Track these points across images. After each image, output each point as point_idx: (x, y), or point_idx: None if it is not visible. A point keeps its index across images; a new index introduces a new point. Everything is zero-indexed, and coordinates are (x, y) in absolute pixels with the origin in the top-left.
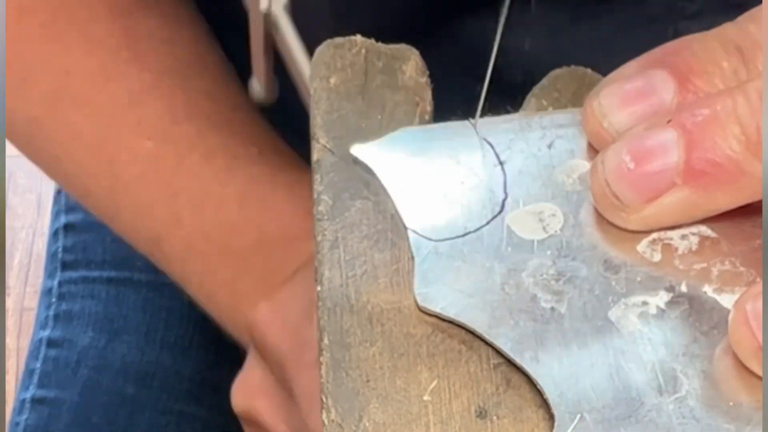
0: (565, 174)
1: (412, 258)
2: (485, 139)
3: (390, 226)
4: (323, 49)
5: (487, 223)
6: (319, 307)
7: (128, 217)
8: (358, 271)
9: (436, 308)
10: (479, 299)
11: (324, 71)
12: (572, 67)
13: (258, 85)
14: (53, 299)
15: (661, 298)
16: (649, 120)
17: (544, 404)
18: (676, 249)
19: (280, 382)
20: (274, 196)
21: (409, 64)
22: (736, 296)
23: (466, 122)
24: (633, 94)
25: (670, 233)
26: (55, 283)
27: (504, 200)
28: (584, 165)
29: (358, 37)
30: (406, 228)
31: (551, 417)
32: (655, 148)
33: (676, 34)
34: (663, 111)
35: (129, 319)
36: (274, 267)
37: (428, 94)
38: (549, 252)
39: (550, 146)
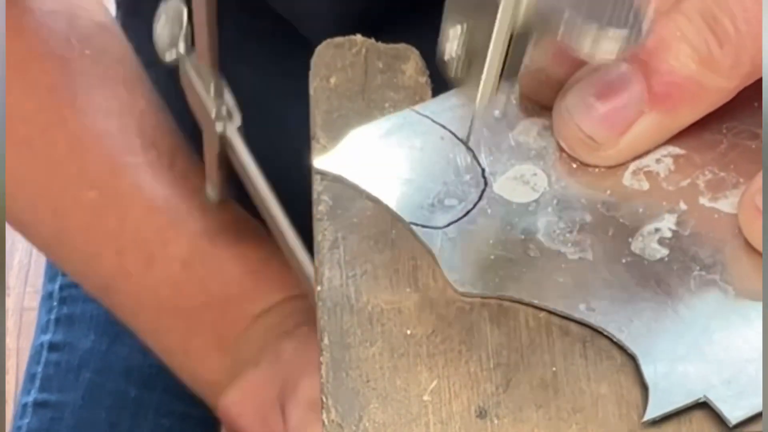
0: (523, 134)
1: (430, 252)
2: (435, 121)
3: (390, 227)
4: (323, 48)
5: (480, 198)
6: (319, 307)
7: (77, 263)
8: (358, 271)
9: (476, 290)
10: (512, 270)
11: (324, 71)
12: None
13: (212, 190)
14: (54, 303)
15: (669, 221)
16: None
17: (545, 404)
18: (658, 174)
19: None
20: (216, 254)
21: (409, 63)
22: (730, 200)
23: (408, 111)
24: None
25: (644, 161)
26: (56, 287)
27: (483, 173)
28: (535, 122)
29: (359, 37)
30: (409, 224)
31: (551, 417)
32: (616, 83)
33: None
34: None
35: None
36: (223, 326)
37: (428, 94)
38: (549, 209)
39: (495, 113)
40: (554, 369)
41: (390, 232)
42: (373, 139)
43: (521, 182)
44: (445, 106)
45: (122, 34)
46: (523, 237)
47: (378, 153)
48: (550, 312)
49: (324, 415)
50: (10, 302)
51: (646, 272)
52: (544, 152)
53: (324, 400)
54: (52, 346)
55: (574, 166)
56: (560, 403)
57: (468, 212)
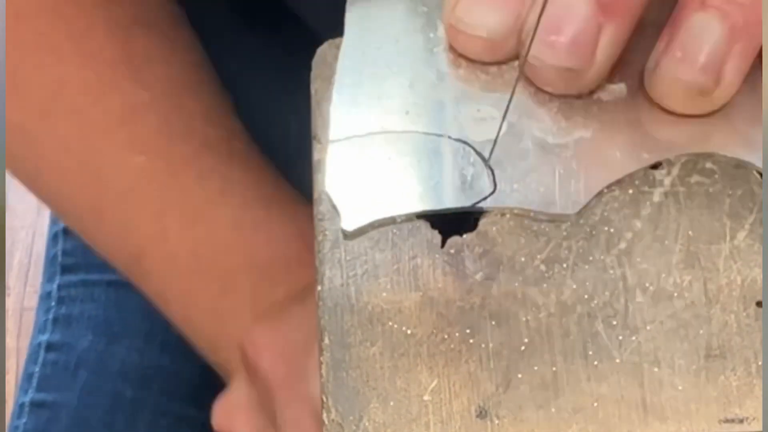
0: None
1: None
2: (363, 135)
3: (390, 226)
4: (325, 48)
5: (480, 153)
6: (319, 307)
7: (111, 231)
8: (358, 270)
9: (588, 198)
10: (578, 171)
11: (326, 71)
12: None
13: None
14: (52, 303)
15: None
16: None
17: (545, 404)
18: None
19: (265, 407)
20: (268, 221)
21: None
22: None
23: (332, 145)
24: None
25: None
26: (54, 286)
27: (450, 137)
28: (399, 81)
29: None
30: (474, 205)
31: (551, 417)
32: (564, 12)
33: None
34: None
35: (128, 322)
36: (262, 291)
37: None
38: (526, 119)
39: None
40: (554, 369)
41: (391, 232)
42: (353, 180)
43: (482, 119)
44: (349, 118)
45: (187, 20)
46: (547, 150)
47: (373, 188)
48: (629, 179)
49: (324, 415)
50: (10, 302)
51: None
52: (464, 86)
53: (324, 399)
54: (50, 346)
55: (469, 77)
56: (560, 403)
57: (490, 166)
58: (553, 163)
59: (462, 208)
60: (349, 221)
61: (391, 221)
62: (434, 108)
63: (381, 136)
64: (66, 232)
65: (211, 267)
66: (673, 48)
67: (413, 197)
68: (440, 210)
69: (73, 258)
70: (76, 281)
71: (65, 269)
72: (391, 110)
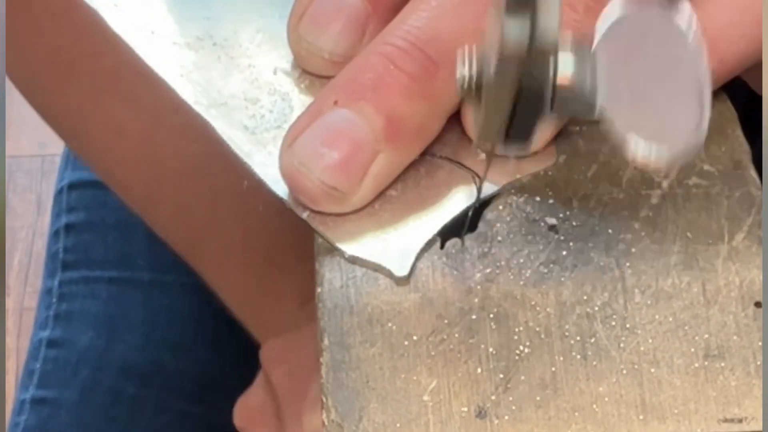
0: None
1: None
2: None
3: (389, 228)
4: None
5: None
6: (319, 308)
7: (167, 214)
8: (358, 272)
9: None
10: None
11: None
12: None
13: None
14: (53, 299)
15: None
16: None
17: (544, 404)
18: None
19: (279, 412)
20: None
21: None
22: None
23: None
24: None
25: None
26: (56, 283)
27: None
28: None
29: None
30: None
31: (550, 417)
32: (343, 126)
33: None
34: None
35: (129, 318)
36: (306, 274)
37: None
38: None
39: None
40: (554, 369)
41: None
42: (365, 233)
43: None
44: None
45: None
46: None
47: (384, 228)
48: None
49: (324, 415)
50: (10, 302)
51: None
52: None
53: (324, 400)
54: (51, 343)
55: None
56: (560, 403)
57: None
58: None
59: (466, 209)
60: (398, 267)
61: (428, 247)
62: None
63: None
64: (68, 228)
65: (263, 253)
66: None
67: (425, 217)
68: (451, 220)
69: (75, 255)
70: (77, 278)
71: (66, 266)
72: None
